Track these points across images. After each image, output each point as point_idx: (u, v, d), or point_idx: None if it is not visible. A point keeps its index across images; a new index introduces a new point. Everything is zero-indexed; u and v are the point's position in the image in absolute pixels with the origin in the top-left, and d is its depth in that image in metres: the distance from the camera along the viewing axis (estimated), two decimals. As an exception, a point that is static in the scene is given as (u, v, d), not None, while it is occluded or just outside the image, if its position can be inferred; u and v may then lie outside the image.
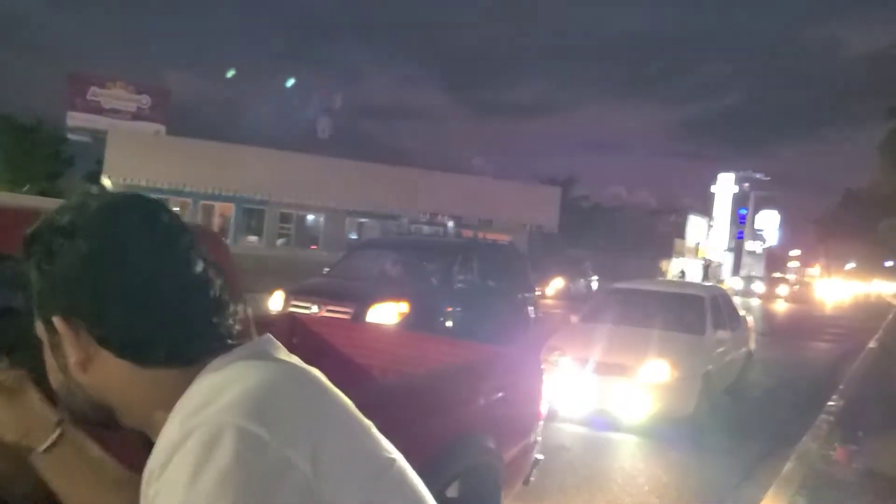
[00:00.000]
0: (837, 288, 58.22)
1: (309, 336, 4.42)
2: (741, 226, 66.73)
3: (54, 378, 0.91)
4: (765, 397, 9.56)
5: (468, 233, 28.01)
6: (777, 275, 59.69)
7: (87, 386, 0.88)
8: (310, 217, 34.13)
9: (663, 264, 52.29)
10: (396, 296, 8.38)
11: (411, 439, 2.58)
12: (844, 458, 6.25)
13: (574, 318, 8.85)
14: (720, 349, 8.20)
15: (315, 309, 8.08)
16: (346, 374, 3.81)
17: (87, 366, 0.87)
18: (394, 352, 4.26)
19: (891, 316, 27.20)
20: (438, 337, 6.33)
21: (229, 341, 0.90)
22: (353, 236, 33.00)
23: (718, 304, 8.95)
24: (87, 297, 0.84)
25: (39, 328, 0.89)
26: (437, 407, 3.03)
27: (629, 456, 6.60)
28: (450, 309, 8.88)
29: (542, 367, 4.04)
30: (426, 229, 32.95)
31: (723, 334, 8.31)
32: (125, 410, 0.90)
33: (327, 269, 10.39)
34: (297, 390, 0.85)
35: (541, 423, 3.93)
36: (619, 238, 47.92)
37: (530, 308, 10.77)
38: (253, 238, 32.74)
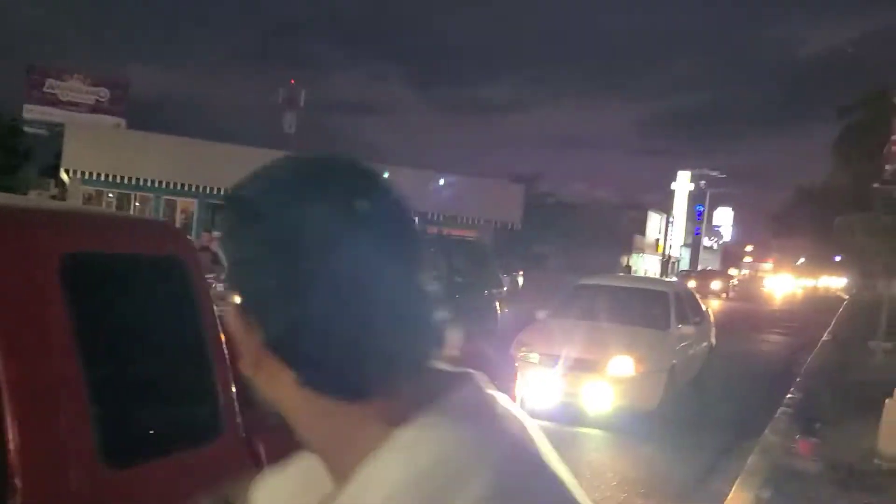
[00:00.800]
0: (787, 283, 58.98)
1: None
2: (698, 222, 67.92)
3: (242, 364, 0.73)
4: (727, 390, 9.75)
5: (433, 229, 28.03)
6: (706, 268, 56.33)
7: (260, 387, 0.71)
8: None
9: (624, 259, 52.99)
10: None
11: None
12: (806, 449, 6.41)
13: (541, 314, 8.92)
14: (684, 343, 8.35)
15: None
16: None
17: (257, 366, 0.70)
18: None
19: (841, 309, 27.97)
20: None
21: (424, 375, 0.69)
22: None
23: (682, 299, 9.10)
24: (257, 291, 0.67)
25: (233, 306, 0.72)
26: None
27: (596, 450, 6.69)
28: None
29: (515, 363, 4.07)
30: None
31: (686, 329, 8.46)
32: (295, 429, 0.72)
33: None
34: (535, 483, 0.65)
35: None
36: (581, 233, 48.34)
37: (496, 304, 10.83)
38: (216, 234, 32.23)
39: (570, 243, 46.36)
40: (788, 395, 9.09)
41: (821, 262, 60.93)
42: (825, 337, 17.35)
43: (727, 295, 40.07)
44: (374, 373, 0.66)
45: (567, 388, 7.39)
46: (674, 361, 7.84)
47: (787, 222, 55.25)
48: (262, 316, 0.67)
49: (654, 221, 61.91)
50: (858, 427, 7.21)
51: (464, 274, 10.53)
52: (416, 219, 0.74)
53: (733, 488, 5.29)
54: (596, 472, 5.92)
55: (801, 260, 67.89)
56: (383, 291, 0.66)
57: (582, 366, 7.40)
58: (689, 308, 9.15)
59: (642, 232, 58.94)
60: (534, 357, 7.60)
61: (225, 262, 0.72)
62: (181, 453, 1.79)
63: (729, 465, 6.18)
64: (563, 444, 6.53)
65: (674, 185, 65.31)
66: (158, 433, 1.87)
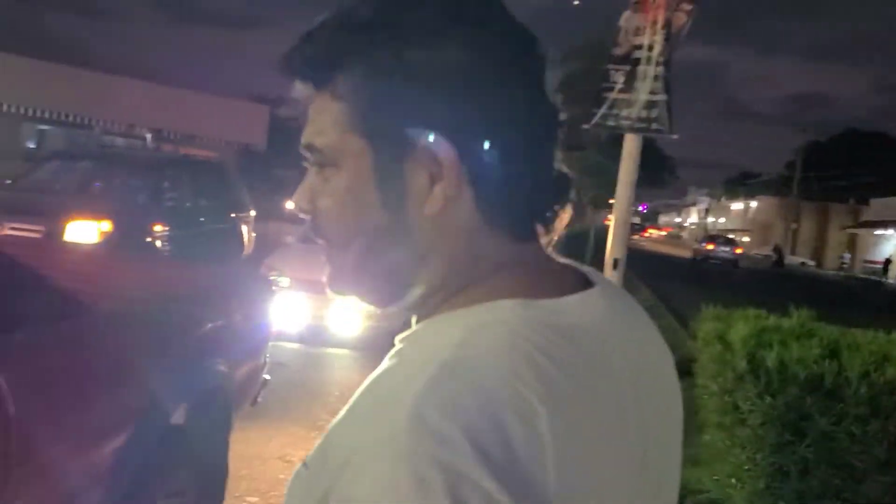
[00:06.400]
0: None
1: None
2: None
3: (356, 215, 0.65)
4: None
5: (169, 147, 26.15)
6: None
7: (425, 224, 0.63)
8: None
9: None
10: (97, 212, 7.64)
11: (129, 366, 2.46)
12: None
13: (290, 239, 8.87)
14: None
15: (-6, 227, 7.05)
16: (48, 301, 3.44)
17: (436, 203, 0.62)
18: (104, 275, 3.93)
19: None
20: (157, 258, 5.96)
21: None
22: (32, 145, 28.90)
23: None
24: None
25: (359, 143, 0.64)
26: (163, 333, 2.90)
27: (346, 369, 6.93)
28: (159, 228, 8.34)
29: (271, 287, 4.05)
30: (120, 141, 30.05)
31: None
32: (429, 266, 0.65)
33: (9, 182, 9.10)
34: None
35: (269, 343, 3.96)
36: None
37: (244, 228, 10.54)
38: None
39: (317, 168, 46.02)
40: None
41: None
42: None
43: None
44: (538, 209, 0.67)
45: (315, 310, 7.49)
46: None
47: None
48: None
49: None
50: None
51: (208, 197, 10.05)
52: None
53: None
54: (345, 388, 6.15)
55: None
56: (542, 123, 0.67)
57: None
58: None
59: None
60: (284, 281, 7.58)
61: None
62: None
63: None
64: (312, 364, 6.72)
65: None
66: None
